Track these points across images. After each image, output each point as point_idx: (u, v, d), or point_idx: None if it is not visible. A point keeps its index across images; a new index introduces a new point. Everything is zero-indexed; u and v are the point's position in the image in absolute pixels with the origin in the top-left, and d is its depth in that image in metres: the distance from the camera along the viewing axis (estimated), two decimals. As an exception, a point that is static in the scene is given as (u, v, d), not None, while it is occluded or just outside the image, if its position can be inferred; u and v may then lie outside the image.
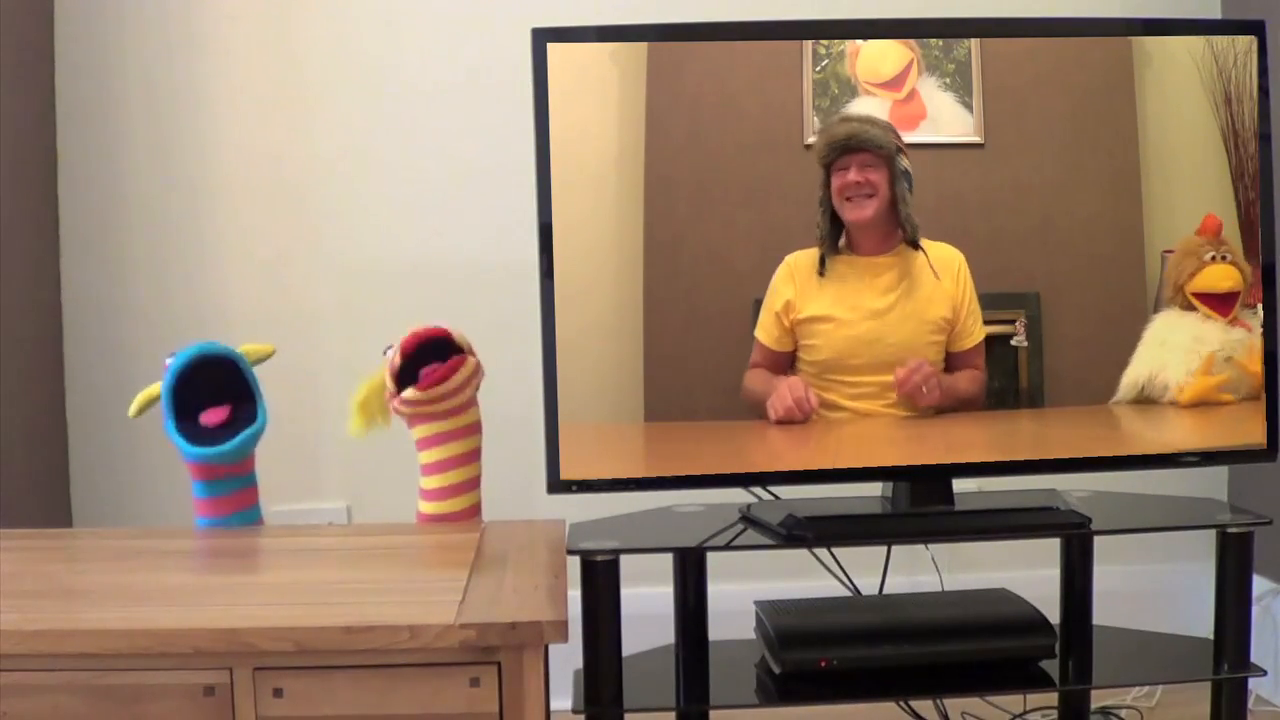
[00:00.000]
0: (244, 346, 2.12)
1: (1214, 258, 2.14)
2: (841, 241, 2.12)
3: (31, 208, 2.70)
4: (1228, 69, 2.15)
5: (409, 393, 2.03)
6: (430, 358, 2.05)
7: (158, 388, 2.08)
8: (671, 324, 2.11)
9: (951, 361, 2.15)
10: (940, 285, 2.13)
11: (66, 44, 2.77)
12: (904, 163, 2.10)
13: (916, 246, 2.11)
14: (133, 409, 2.10)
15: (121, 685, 1.62)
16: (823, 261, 2.11)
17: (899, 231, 2.12)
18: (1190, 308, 2.16)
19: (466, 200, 2.83)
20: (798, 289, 2.11)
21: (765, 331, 2.11)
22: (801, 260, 2.11)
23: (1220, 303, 2.15)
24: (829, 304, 2.11)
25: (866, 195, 2.09)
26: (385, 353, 2.06)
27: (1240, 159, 2.16)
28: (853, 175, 2.08)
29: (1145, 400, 2.17)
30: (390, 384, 2.05)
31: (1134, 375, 2.16)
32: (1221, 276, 2.14)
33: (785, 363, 2.13)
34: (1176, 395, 2.16)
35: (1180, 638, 2.28)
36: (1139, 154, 2.16)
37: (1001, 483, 2.20)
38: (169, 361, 2.08)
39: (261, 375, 2.12)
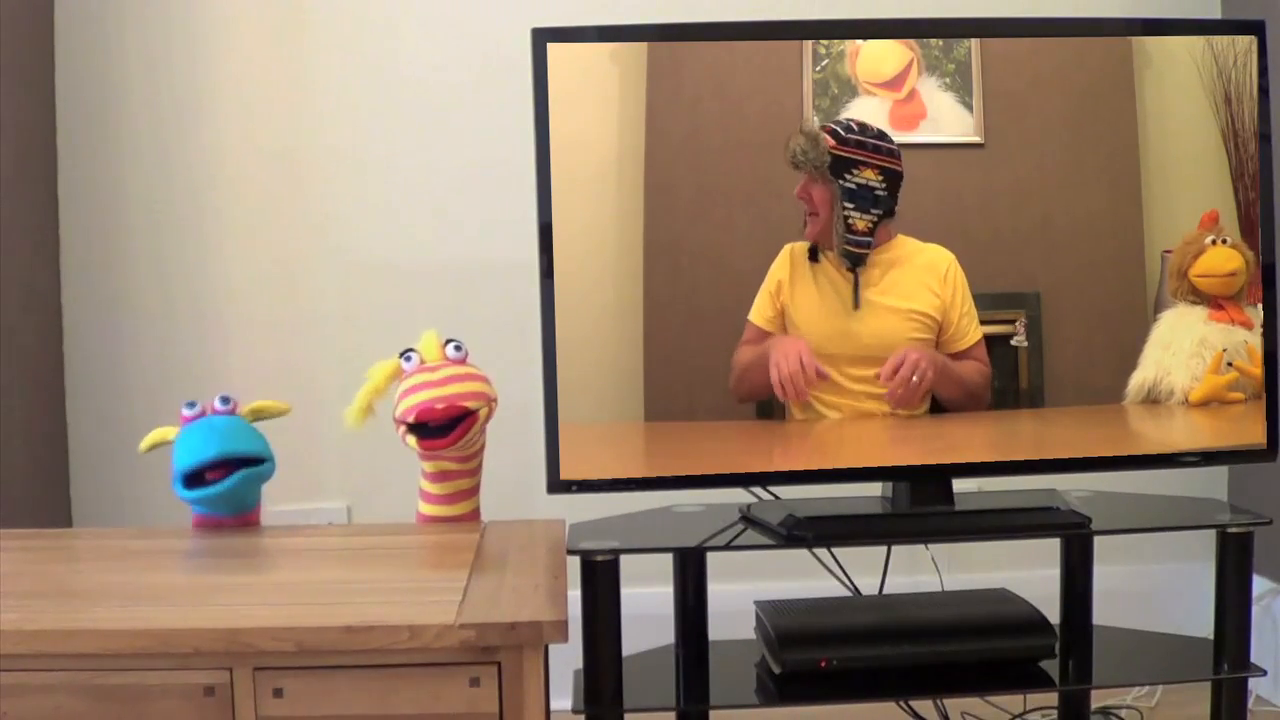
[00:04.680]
0: (257, 404, 2.10)
1: (1214, 241, 2.15)
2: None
3: (31, 208, 2.70)
4: (1228, 69, 2.15)
5: (411, 441, 2.00)
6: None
7: (169, 433, 2.06)
8: (671, 324, 2.11)
9: None
10: (922, 284, 2.12)
11: (66, 44, 2.77)
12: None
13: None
14: (144, 446, 2.09)
15: (121, 685, 1.62)
16: (814, 251, 2.11)
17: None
18: (1194, 296, 2.16)
19: (467, 200, 2.83)
20: (791, 273, 2.11)
21: (758, 312, 2.11)
22: (799, 249, 2.11)
23: (1222, 283, 2.15)
24: (813, 291, 2.12)
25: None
26: (402, 358, 2.04)
27: (1240, 159, 2.16)
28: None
29: (1151, 403, 2.17)
30: (398, 418, 2.02)
31: (1140, 379, 2.16)
32: (1224, 259, 2.15)
33: None
34: (1185, 397, 2.16)
35: (1180, 638, 2.28)
36: (1139, 154, 2.16)
37: (1001, 483, 2.20)
38: (187, 413, 2.06)
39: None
